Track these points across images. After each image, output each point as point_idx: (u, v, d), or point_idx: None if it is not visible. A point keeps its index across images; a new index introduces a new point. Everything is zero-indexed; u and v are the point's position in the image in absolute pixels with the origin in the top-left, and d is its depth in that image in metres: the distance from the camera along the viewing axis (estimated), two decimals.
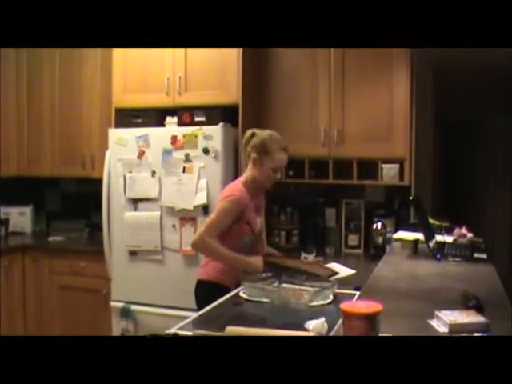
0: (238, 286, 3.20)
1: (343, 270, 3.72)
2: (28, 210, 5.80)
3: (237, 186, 3.47)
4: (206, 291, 3.44)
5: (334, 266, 3.78)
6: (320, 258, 3.82)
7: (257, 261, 3.37)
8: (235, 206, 3.34)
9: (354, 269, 3.77)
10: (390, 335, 1.78)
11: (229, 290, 3.21)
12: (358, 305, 1.70)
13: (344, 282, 3.24)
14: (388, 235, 4.29)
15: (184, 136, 4.32)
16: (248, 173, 3.49)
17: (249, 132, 3.50)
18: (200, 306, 3.22)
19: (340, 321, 1.69)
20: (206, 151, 4.24)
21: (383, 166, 4.41)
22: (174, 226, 4.39)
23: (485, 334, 1.80)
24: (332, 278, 3.24)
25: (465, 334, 1.81)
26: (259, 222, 3.56)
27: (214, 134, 4.23)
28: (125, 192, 4.55)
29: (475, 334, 1.80)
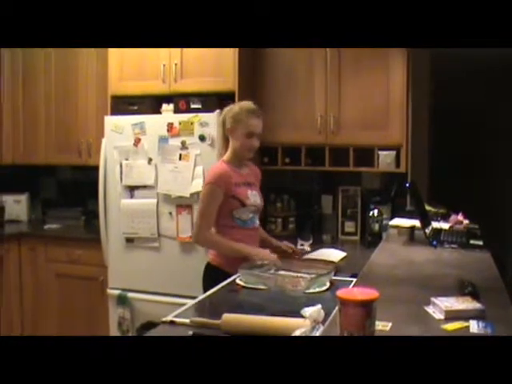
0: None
1: (334, 255, 3.73)
2: (24, 197, 5.79)
3: (216, 165, 3.49)
4: (209, 275, 3.46)
5: (325, 251, 3.79)
6: (301, 248, 3.79)
7: (265, 252, 3.33)
8: (216, 186, 3.33)
9: (350, 255, 3.79)
10: (386, 330, 1.79)
11: (229, 275, 3.20)
12: (355, 292, 1.69)
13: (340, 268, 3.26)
14: (384, 222, 4.28)
15: (180, 123, 4.32)
16: (229, 147, 3.50)
17: (226, 109, 3.54)
18: (204, 289, 3.29)
19: (336, 308, 1.68)
20: (202, 138, 4.23)
21: (379, 153, 4.42)
22: (170, 213, 4.39)
23: (480, 321, 1.81)
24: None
25: (461, 322, 1.82)
26: (252, 195, 3.48)
27: (210, 121, 4.22)
28: (121, 179, 4.54)
29: (471, 321, 1.81)
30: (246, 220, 3.44)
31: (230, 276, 3.18)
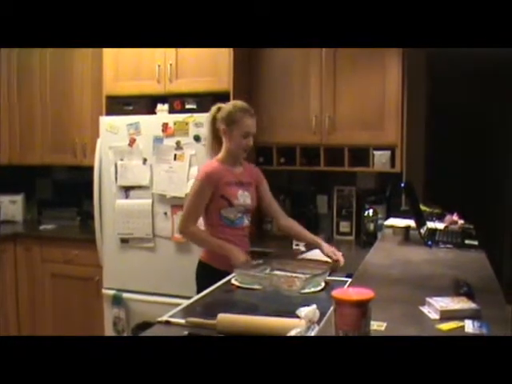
0: (227, 266, 3.23)
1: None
2: (19, 198, 5.78)
3: (208, 163, 3.53)
4: (199, 272, 3.52)
5: (320, 251, 3.79)
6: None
7: (238, 253, 3.32)
8: (205, 182, 3.37)
9: (345, 255, 3.78)
10: (382, 330, 1.79)
11: (219, 272, 3.25)
12: (350, 292, 1.70)
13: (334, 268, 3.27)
14: (379, 222, 4.29)
15: (175, 123, 4.32)
16: (223, 147, 3.50)
17: (214, 107, 3.53)
18: (196, 285, 3.40)
19: (332, 308, 1.69)
20: (197, 138, 4.23)
21: (375, 152, 4.42)
22: (165, 213, 4.38)
23: (476, 321, 1.81)
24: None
25: (456, 322, 1.82)
26: (243, 195, 3.48)
27: (205, 122, 4.21)
28: (116, 180, 4.53)
29: (466, 321, 1.81)
30: (234, 220, 3.46)
31: (218, 273, 3.23)
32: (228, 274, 3.17)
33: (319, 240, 3.61)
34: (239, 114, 3.40)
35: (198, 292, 3.23)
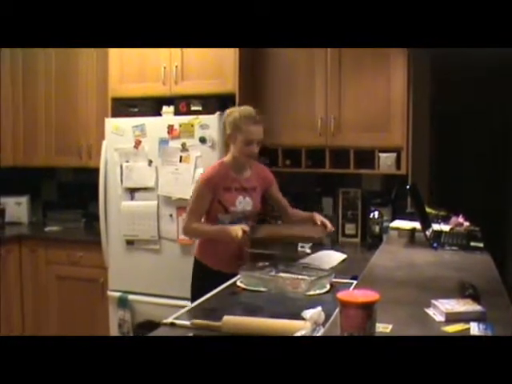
0: (219, 265, 3.35)
1: (334, 257, 3.72)
2: (24, 199, 5.79)
3: (212, 166, 3.59)
4: (194, 269, 3.63)
5: (325, 253, 3.79)
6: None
7: (235, 229, 3.31)
8: (204, 186, 3.43)
9: (350, 257, 3.78)
10: (387, 332, 1.78)
11: (210, 270, 3.43)
12: (355, 294, 1.69)
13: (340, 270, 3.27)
14: (385, 224, 4.28)
15: (180, 125, 4.32)
16: (229, 152, 3.54)
17: (227, 111, 3.55)
18: (191, 282, 3.56)
19: (337, 310, 1.68)
20: (202, 140, 4.23)
21: (380, 155, 4.41)
22: (171, 215, 4.39)
23: (481, 323, 1.80)
24: (329, 267, 3.26)
25: (461, 324, 1.82)
26: (243, 202, 3.52)
27: (211, 123, 4.22)
28: (121, 181, 4.54)
29: (471, 323, 1.80)
30: (225, 221, 3.50)
31: (210, 270, 3.44)
32: (220, 273, 3.27)
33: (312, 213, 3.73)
34: (243, 120, 3.40)
35: (192, 288, 3.44)
